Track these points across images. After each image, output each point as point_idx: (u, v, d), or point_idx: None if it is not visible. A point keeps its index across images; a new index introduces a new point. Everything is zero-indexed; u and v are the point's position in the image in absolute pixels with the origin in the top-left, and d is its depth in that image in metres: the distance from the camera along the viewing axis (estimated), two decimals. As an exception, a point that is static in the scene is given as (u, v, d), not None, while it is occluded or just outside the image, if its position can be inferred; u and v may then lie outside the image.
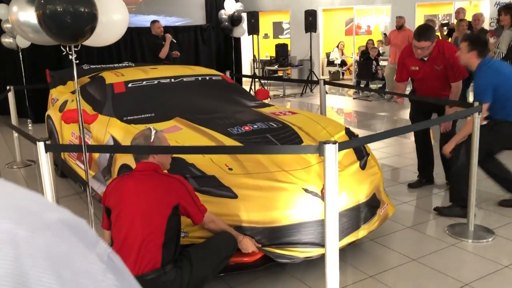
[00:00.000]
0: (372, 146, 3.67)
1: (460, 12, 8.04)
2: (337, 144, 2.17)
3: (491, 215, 3.72)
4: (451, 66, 3.80)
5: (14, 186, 0.38)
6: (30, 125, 8.20)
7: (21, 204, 0.36)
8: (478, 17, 7.18)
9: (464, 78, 3.85)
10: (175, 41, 7.74)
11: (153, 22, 7.57)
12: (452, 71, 3.82)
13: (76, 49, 2.57)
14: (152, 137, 2.46)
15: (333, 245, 2.23)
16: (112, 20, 2.61)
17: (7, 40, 7.60)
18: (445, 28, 8.55)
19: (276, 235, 2.72)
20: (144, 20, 9.91)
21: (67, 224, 0.36)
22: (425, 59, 3.87)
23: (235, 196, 2.75)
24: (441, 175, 4.31)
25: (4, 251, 0.31)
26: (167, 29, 9.94)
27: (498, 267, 2.91)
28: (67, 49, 2.55)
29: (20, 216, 0.34)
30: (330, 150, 2.15)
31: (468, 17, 7.97)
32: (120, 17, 2.68)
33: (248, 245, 2.59)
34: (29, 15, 2.44)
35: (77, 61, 2.63)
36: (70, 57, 2.57)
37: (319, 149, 2.18)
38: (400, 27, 8.76)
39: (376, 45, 10.70)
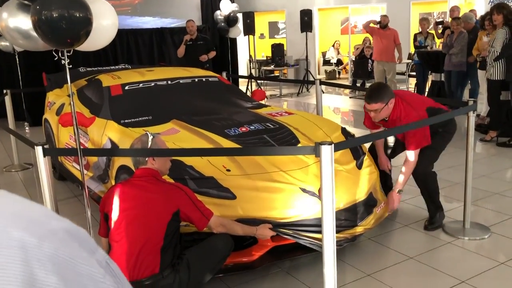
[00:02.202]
0: (367, 145, 3.69)
1: (454, 10, 8.06)
2: (333, 145, 2.19)
3: (487, 213, 3.75)
4: (408, 138, 3.29)
5: (20, 198, 0.41)
6: (27, 128, 8.19)
7: (29, 214, 0.39)
8: (469, 17, 7.23)
9: (422, 147, 3.30)
10: (201, 42, 7.74)
11: (187, 21, 7.86)
12: (406, 140, 3.32)
13: (68, 53, 2.58)
14: (149, 143, 2.46)
15: (330, 244, 2.25)
16: (102, 26, 2.61)
17: (3, 43, 7.59)
18: (439, 26, 8.57)
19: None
20: (140, 22, 9.91)
21: (69, 232, 0.40)
22: (387, 119, 3.34)
23: (234, 197, 2.77)
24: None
25: (15, 255, 0.35)
26: (162, 30, 9.97)
27: (494, 264, 2.94)
28: (59, 54, 2.56)
29: (28, 225, 0.38)
30: (326, 151, 2.16)
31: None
32: (109, 22, 2.69)
33: (264, 232, 2.62)
34: (19, 21, 2.44)
35: (70, 66, 2.64)
36: (63, 61, 2.58)
37: (315, 150, 2.20)
38: (384, 26, 8.76)
39: (367, 45, 10.68)
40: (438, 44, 8.99)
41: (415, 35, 8.81)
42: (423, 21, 8.75)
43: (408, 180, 3.39)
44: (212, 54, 7.87)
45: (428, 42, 8.54)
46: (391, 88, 3.38)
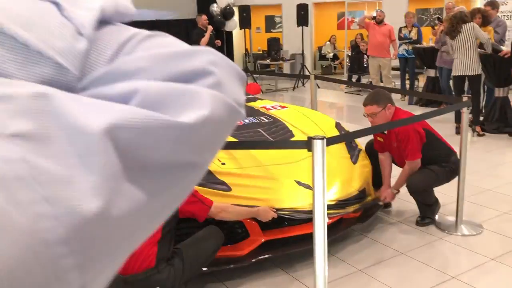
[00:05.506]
0: (360, 140, 3.68)
1: (450, 7, 8.04)
2: (325, 139, 2.18)
3: (479, 209, 3.76)
4: (402, 149, 3.34)
5: None
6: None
7: None
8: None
9: (419, 158, 3.35)
10: (214, 32, 8.79)
11: (199, 15, 8.66)
12: (404, 153, 3.36)
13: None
14: None
15: (321, 239, 2.24)
16: None
17: None
18: (438, 22, 8.57)
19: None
20: (136, 14, 9.86)
21: None
22: (385, 132, 3.43)
23: (229, 189, 2.77)
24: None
25: None
26: (159, 22, 9.91)
27: (485, 260, 2.95)
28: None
29: None
30: (319, 145, 2.15)
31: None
32: None
33: (266, 214, 2.62)
34: None
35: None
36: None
37: (308, 144, 2.19)
38: (380, 21, 8.76)
39: (364, 39, 10.67)
40: (433, 39, 9.01)
41: (400, 28, 8.87)
42: (409, 14, 8.85)
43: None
44: (218, 42, 8.78)
45: (412, 35, 8.65)
46: (390, 95, 3.40)
